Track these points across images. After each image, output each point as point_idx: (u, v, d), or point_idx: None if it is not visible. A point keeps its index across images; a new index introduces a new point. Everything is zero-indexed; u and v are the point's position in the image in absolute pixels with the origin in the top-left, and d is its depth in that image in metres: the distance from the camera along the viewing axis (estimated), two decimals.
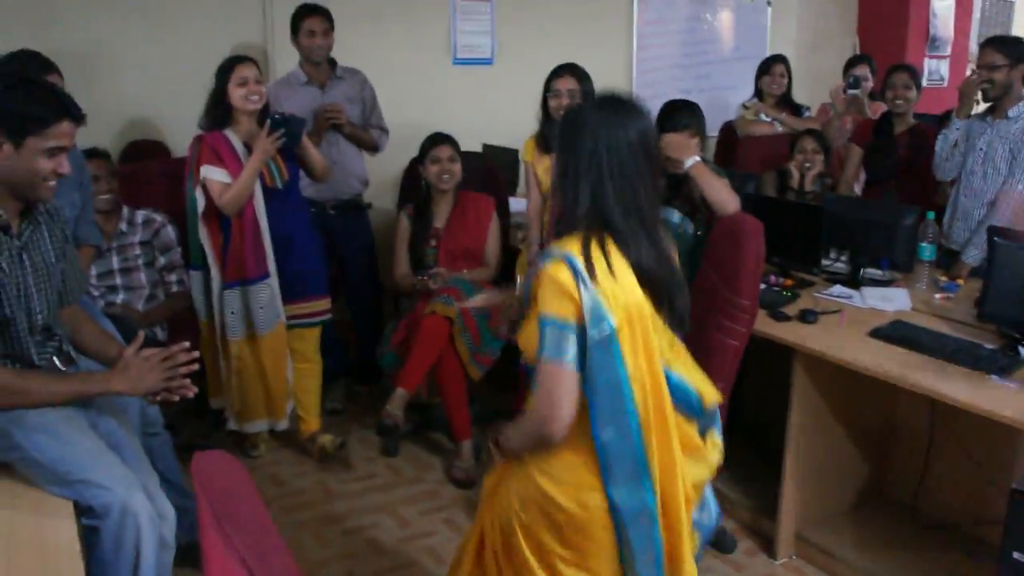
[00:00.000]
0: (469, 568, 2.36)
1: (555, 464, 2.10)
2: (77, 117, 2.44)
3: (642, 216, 2.06)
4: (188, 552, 2.70)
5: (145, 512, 2.38)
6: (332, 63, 4.65)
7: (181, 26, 4.88)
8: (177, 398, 2.57)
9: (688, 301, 2.17)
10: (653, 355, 2.04)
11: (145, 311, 4.06)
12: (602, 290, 1.97)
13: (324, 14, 4.52)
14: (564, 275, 1.98)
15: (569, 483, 2.09)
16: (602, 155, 2.03)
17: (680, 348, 2.19)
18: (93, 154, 3.98)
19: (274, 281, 3.97)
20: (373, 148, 4.78)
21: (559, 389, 1.99)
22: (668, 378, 2.09)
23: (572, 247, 2.01)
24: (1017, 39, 4.34)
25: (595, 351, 1.98)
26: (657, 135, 2.13)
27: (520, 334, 2.16)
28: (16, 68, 3.28)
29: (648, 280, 2.05)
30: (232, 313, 3.94)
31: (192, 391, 2.58)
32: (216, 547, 1.42)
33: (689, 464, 2.15)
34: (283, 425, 4.19)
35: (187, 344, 2.57)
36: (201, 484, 1.56)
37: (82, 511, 2.36)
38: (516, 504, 2.17)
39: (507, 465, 2.25)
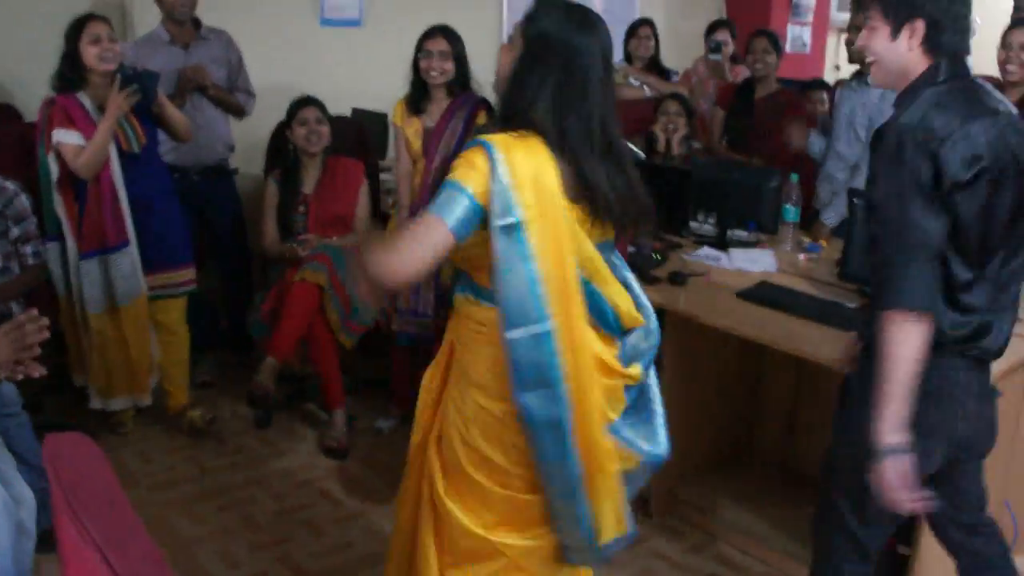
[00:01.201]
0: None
1: (482, 373, 2.14)
2: None
3: (598, 129, 2.06)
4: (51, 537, 2.58)
5: None
6: (197, 23, 4.49)
7: None
8: (25, 375, 2.41)
9: (648, 217, 2.23)
10: (565, 259, 2.02)
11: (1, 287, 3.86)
12: (516, 181, 1.96)
13: None
14: (479, 157, 1.98)
15: (493, 388, 2.12)
16: (569, 60, 2.03)
17: (604, 266, 2.15)
18: None
19: (134, 249, 3.83)
20: (239, 112, 4.65)
21: (428, 241, 1.96)
22: (584, 287, 2.08)
23: (498, 138, 2.01)
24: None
25: (500, 239, 1.97)
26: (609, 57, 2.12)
27: None
28: None
29: (591, 192, 2.05)
30: (91, 285, 3.79)
31: (40, 371, 2.43)
32: (70, 534, 1.36)
33: (602, 383, 2.14)
34: (146, 401, 4.06)
35: (35, 312, 2.41)
36: (54, 468, 1.49)
37: None
38: (459, 422, 2.22)
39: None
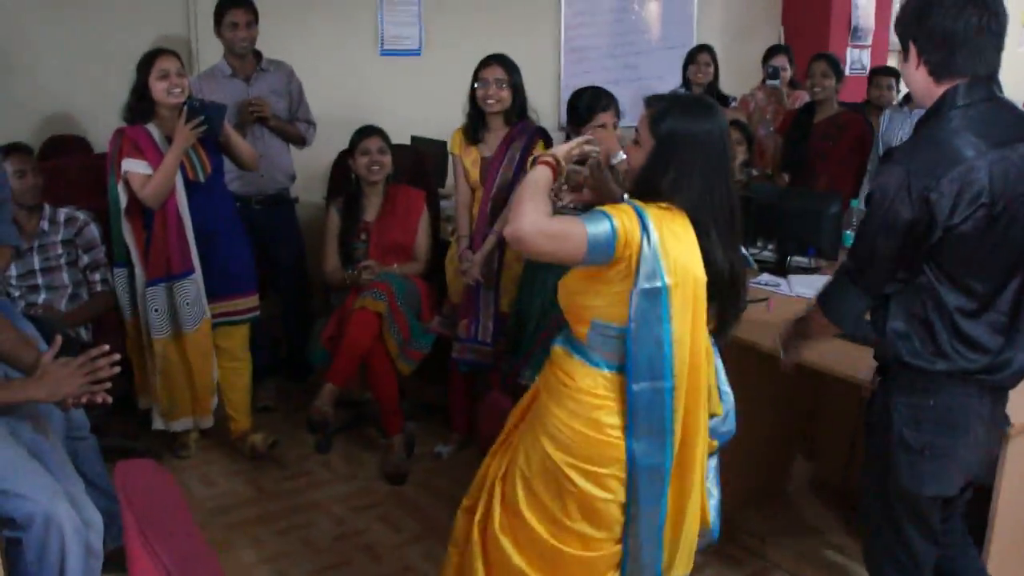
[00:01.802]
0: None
1: (557, 424, 2.25)
2: None
3: (727, 208, 2.22)
4: (117, 558, 2.63)
5: (70, 521, 2.33)
6: (258, 55, 4.59)
7: (102, 18, 4.76)
8: (99, 401, 2.50)
9: (737, 316, 2.38)
10: (700, 321, 2.17)
11: (68, 311, 3.96)
12: (664, 249, 2.09)
13: (247, 6, 4.45)
14: (629, 214, 2.11)
15: (564, 441, 2.23)
16: (696, 150, 2.18)
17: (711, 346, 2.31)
18: (14, 148, 3.88)
19: (199, 277, 3.89)
20: (301, 141, 4.73)
21: (567, 230, 2.09)
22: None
23: (649, 207, 2.14)
24: None
25: (642, 301, 2.10)
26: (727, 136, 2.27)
27: (561, 282, 2.31)
28: None
29: (712, 274, 2.17)
30: (156, 311, 3.86)
31: (106, 399, 2.50)
32: (141, 558, 1.39)
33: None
34: (208, 423, 4.12)
35: (107, 347, 2.50)
36: (125, 493, 1.52)
37: (4, 523, 2.30)
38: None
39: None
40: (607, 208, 2.14)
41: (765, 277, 3.84)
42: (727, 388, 2.44)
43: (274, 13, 4.78)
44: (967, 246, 2.06)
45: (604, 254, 2.09)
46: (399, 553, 3.51)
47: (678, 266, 2.10)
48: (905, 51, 2.17)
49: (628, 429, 2.18)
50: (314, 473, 4.10)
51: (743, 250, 2.41)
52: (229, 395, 4.18)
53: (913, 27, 2.13)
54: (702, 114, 2.22)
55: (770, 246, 4.09)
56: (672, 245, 2.10)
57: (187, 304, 3.87)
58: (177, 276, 3.85)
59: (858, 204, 4.00)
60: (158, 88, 3.76)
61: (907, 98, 4.44)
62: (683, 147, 2.17)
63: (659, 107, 2.23)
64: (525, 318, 3.57)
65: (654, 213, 2.12)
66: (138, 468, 1.65)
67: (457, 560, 2.54)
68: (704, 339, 2.21)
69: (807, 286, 3.68)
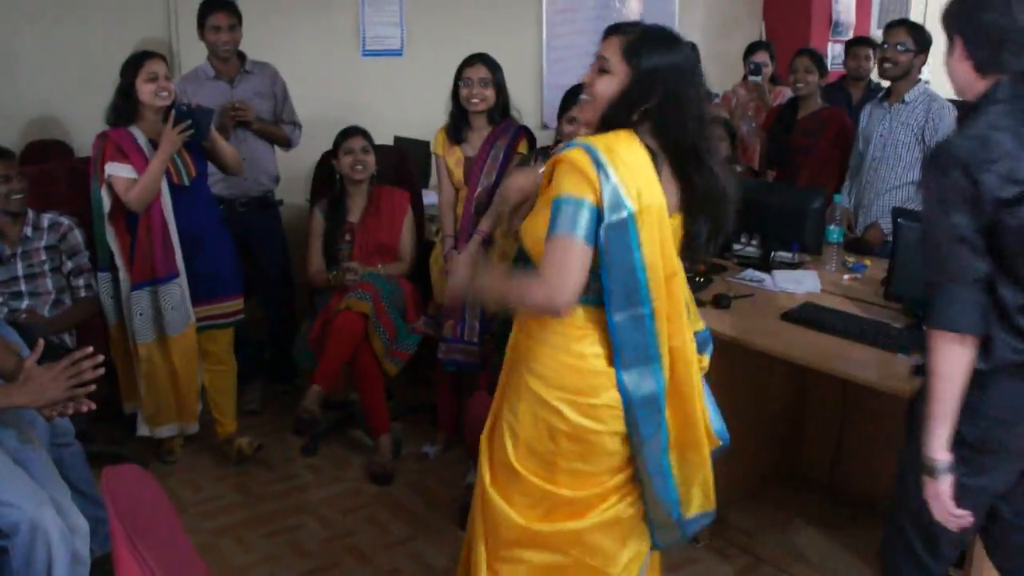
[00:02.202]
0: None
1: (544, 360, 2.23)
2: None
3: (693, 139, 2.17)
4: (104, 564, 2.62)
5: (56, 528, 2.32)
6: (242, 57, 4.58)
7: (83, 21, 4.72)
8: (75, 411, 2.48)
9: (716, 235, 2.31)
10: (668, 245, 2.16)
11: (51, 317, 3.94)
12: (621, 178, 2.06)
13: (229, 9, 4.42)
14: (583, 160, 2.07)
15: (552, 377, 2.21)
16: (672, 84, 2.13)
17: (683, 272, 2.28)
18: None
19: (184, 280, 3.88)
20: (286, 143, 4.72)
21: (570, 261, 2.07)
22: None
23: (598, 141, 2.11)
24: (923, 28, 4.47)
25: (611, 233, 2.08)
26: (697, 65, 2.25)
27: (525, 227, 2.26)
28: None
29: (692, 193, 2.19)
30: (141, 315, 3.85)
31: (90, 406, 2.49)
32: (129, 564, 1.38)
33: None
34: (193, 429, 4.11)
35: (90, 349, 2.47)
36: (112, 499, 1.52)
37: None
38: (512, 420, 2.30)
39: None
40: (568, 188, 2.08)
41: (749, 272, 3.85)
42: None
43: (256, 14, 4.76)
44: (1017, 239, 2.07)
45: (595, 224, 2.09)
46: (388, 554, 3.51)
47: (639, 192, 2.08)
48: (951, 44, 2.19)
49: (616, 362, 2.17)
50: (301, 476, 4.09)
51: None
52: (215, 398, 4.17)
53: (962, 22, 2.16)
54: (675, 44, 2.18)
55: (754, 241, 4.09)
56: (625, 173, 2.08)
57: (172, 308, 3.85)
58: (162, 280, 3.83)
59: (841, 199, 4.01)
60: (145, 90, 3.74)
61: (887, 93, 4.45)
62: (661, 80, 2.13)
63: (633, 35, 2.18)
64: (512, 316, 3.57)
65: (603, 145, 2.10)
66: (124, 474, 1.64)
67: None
68: (675, 261, 2.19)
69: (791, 281, 3.70)
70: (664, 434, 2.23)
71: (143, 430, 4.03)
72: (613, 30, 2.23)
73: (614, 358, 2.17)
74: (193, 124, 3.74)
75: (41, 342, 2.53)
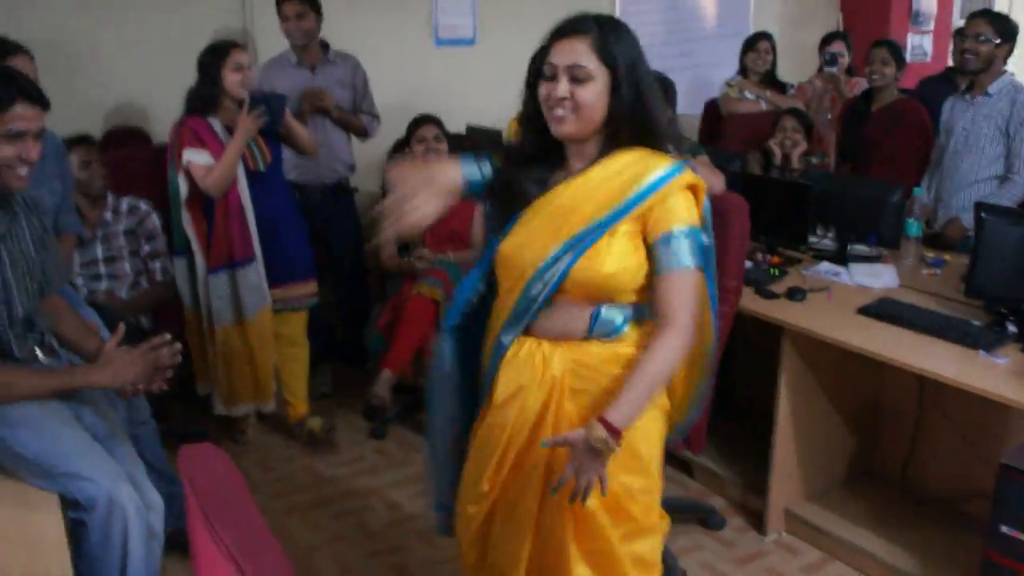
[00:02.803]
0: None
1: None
2: (35, 99, 2.36)
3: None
4: (176, 539, 2.68)
5: (132, 504, 2.36)
6: (325, 47, 4.63)
7: (159, 11, 4.80)
8: (155, 389, 2.58)
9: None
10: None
11: (129, 299, 4.02)
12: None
13: None
14: (696, 182, 2.02)
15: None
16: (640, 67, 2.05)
17: None
18: (81, 140, 3.94)
19: (260, 264, 3.94)
20: (363, 133, 4.77)
21: (696, 294, 2.03)
22: None
23: (674, 161, 2.03)
24: (1007, 18, 4.34)
25: (710, 255, 2.09)
26: None
27: (601, 257, 1.99)
28: None
29: None
30: (219, 299, 3.91)
31: (161, 385, 2.59)
32: (205, 543, 1.40)
33: None
34: (269, 408, 4.18)
35: (168, 336, 2.57)
36: (188, 478, 1.54)
37: (68, 504, 2.34)
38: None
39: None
40: (681, 219, 1.97)
41: (825, 266, 3.79)
42: None
43: (330, 4, 4.78)
44: None
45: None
46: (452, 539, 3.52)
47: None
48: None
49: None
50: (369, 459, 4.13)
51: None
52: (287, 381, 4.23)
53: None
54: (627, 29, 2.08)
55: (830, 234, 4.03)
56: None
57: (249, 291, 3.91)
58: (239, 263, 3.89)
59: (921, 192, 3.93)
60: (231, 80, 3.79)
61: (970, 85, 4.33)
62: (640, 70, 2.02)
63: (594, 32, 2.02)
64: None
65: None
66: (201, 452, 1.67)
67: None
68: None
69: (868, 275, 3.64)
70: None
71: (220, 409, 4.11)
72: (567, 32, 2.06)
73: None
74: (267, 110, 3.78)
75: (122, 326, 2.61)
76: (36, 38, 3.79)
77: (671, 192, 1.97)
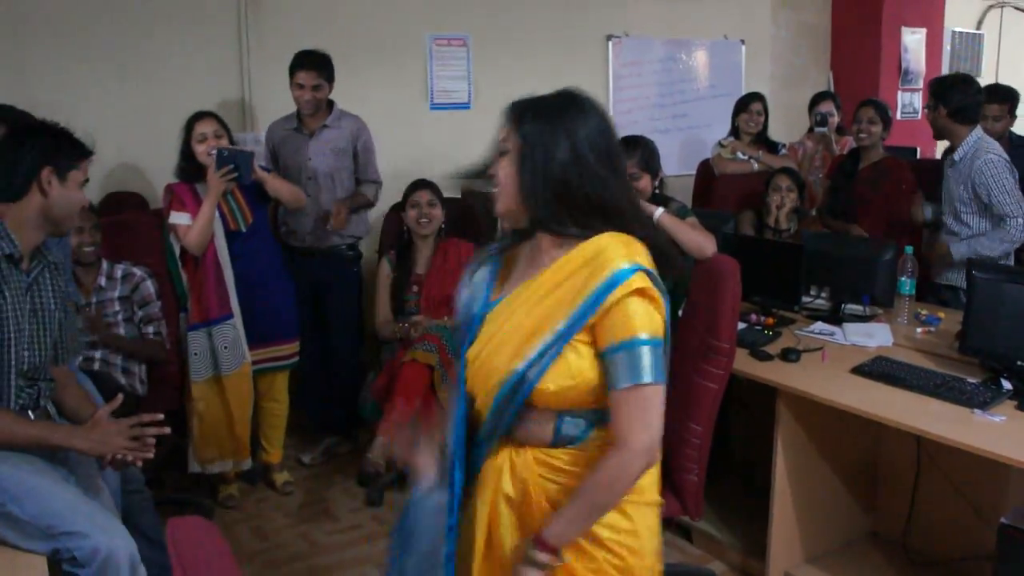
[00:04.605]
0: None
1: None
2: (91, 153, 2.71)
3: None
4: None
5: (127, 556, 2.36)
6: (331, 105, 4.56)
7: (158, 78, 4.87)
8: (138, 463, 2.58)
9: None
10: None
11: (115, 335, 4.02)
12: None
13: (316, 69, 4.39)
14: (650, 286, 1.79)
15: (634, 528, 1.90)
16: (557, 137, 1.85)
17: None
18: None
19: (238, 322, 4.04)
20: (369, 206, 4.72)
21: (659, 411, 1.79)
22: None
23: (636, 254, 1.81)
24: (941, 81, 4.41)
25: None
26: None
27: (557, 369, 1.82)
28: None
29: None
30: (196, 355, 4.01)
31: (138, 460, 2.57)
32: None
33: None
34: (246, 465, 4.23)
35: (160, 416, 2.59)
36: (176, 552, 1.53)
37: (64, 560, 2.34)
38: None
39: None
40: (644, 328, 1.76)
41: (819, 325, 3.79)
42: None
43: None
44: None
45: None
46: None
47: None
48: None
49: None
50: (365, 526, 4.09)
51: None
52: (265, 430, 4.36)
53: None
54: (570, 101, 1.90)
55: (823, 294, 4.04)
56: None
57: (225, 348, 4.01)
58: (215, 321, 4.00)
59: (911, 251, 3.94)
60: (198, 150, 3.97)
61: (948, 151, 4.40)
62: (566, 144, 1.84)
63: (518, 108, 1.93)
64: None
65: (643, 254, 1.84)
66: (189, 526, 1.65)
67: None
68: None
69: (862, 334, 3.64)
70: None
71: (194, 467, 4.14)
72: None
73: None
74: (235, 168, 3.91)
75: (120, 396, 2.63)
76: (40, 101, 3.88)
77: (621, 298, 1.76)
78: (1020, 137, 5.30)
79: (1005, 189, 4.03)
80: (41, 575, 2.28)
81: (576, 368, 1.81)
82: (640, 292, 1.77)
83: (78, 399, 2.76)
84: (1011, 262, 4.27)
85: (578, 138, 1.83)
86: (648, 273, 1.79)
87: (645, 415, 1.78)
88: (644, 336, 1.76)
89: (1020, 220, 4.02)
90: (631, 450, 1.77)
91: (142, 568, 2.48)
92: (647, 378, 1.76)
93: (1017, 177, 4.11)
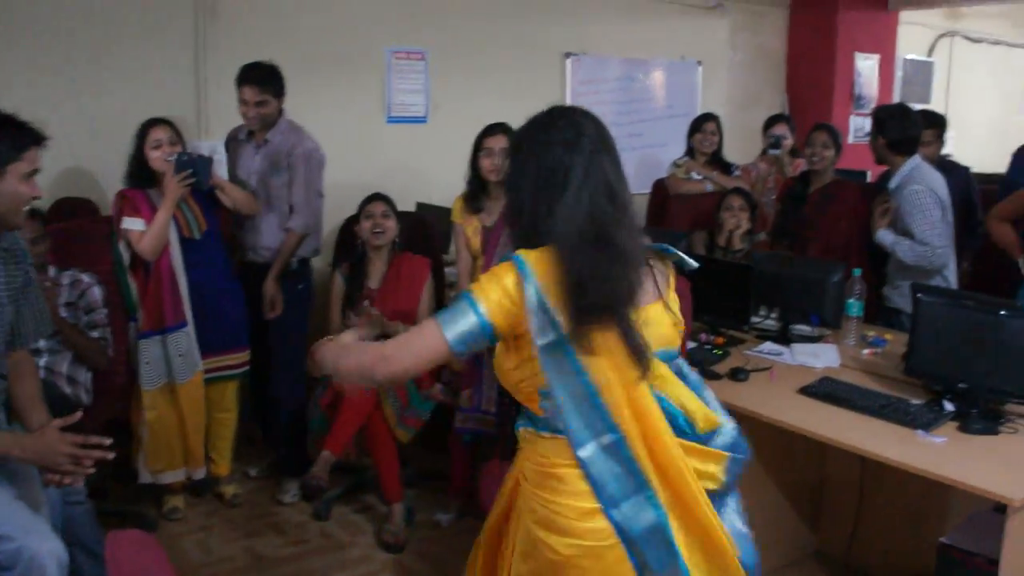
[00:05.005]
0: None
1: (544, 507, 2.03)
2: (40, 141, 2.58)
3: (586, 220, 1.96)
4: None
5: (54, 560, 2.33)
6: (279, 116, 4.39)
7: (111, 85, 4.82)
8: (64, 482, 2.53)
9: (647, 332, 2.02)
10: (618, 357, 1.95)
11: (63, 320, 3.91)
12: (552, 296, 1.91)
13: (259, 85, 4.23)
14: (508, 274, 1.95)
15: (555, 524, 2.00)
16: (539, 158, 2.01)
17: (665, 370, 2.10)
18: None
19: (191, 329, 4.03)
20: (297, 246, 4.37)
21: (416, 349, 1.98)
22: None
23: (531, 254, 1.96)
24: (881, 111, 4.57)
25: (545, 359, 1.93)
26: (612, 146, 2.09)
27: (496, 367, 2.12)
28: None
29: (577, 286, 1.92)
30: (147, 363, 3.99)
31: (86, 472, 2.52)
32: None
33: (695, 461, 2.04)
34: (200, 474, 4.22)
35: (108, 442, 2.52)
36: (114, 566, 1.51)
37: None
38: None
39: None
40: (475, 288, 1.97)
41: (767, 346, 3.83)
42: (717, 405, 2.20)
43: (285, 75, 4.74)
44: None
45: (480, 342, 1.98)
46: None
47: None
48: None
49: (602, 502, 1.95)
50: (312, 540, 4.06)
51: (667, 249, 2.20)
52: (214, 441, 4.32)
53: None
54: (553, 118, 2.08)
55: (772, 314, 4.08)
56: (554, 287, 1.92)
57: (179, 356, 4.01)
58: (170, 328, 4.00)
59: (859, 272, 4.00)
60: (152, 156, 3.96)
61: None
62: (531, 156, 2.03)
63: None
64: None
65: (535, 256, 1.95)
66: (128, 539, 1.64)
67: None
68: (631, 373, 1.96)
69: (810, 355, 3.68)
70: (680, 559, 1.98)
71: (145, 477, 4.11)
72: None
73: (599, 499, 1.96)
74: (194, 173, 3.91)
75: (79, 413, 2.60)
76: None
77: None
78: (951, 162, 5.41)
79: (926, 220, 4.17)
80: None
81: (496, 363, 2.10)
82: (493, 270, 1.98)
83: (30, 395, 2.69)
84: (953, 285, 4.37)
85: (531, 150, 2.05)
86: (517, 261, 1.95)
87: (407, 335, 2.03)
88: (467, 291, 1.99)
89: (939, 250, 4.18)
90: (378, 347, 2.04)
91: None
92: (439, 316, 1.97)
93: (943, 208, 4.21)
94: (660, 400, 2.03)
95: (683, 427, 2.07)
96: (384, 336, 4.20)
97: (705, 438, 2.10)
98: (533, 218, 2.00)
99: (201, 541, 4.02)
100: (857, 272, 3.99)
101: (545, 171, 1.99)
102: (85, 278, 4.08)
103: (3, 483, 2.50)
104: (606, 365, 1.95)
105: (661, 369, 2.07)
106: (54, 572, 2.35)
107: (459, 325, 1.95)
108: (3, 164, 2.48)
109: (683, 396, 2.10)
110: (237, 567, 3.83)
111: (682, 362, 2.21)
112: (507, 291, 1.94)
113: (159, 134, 3.97)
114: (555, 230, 1.95)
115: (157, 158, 3.94)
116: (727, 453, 2.10)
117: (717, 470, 2.08)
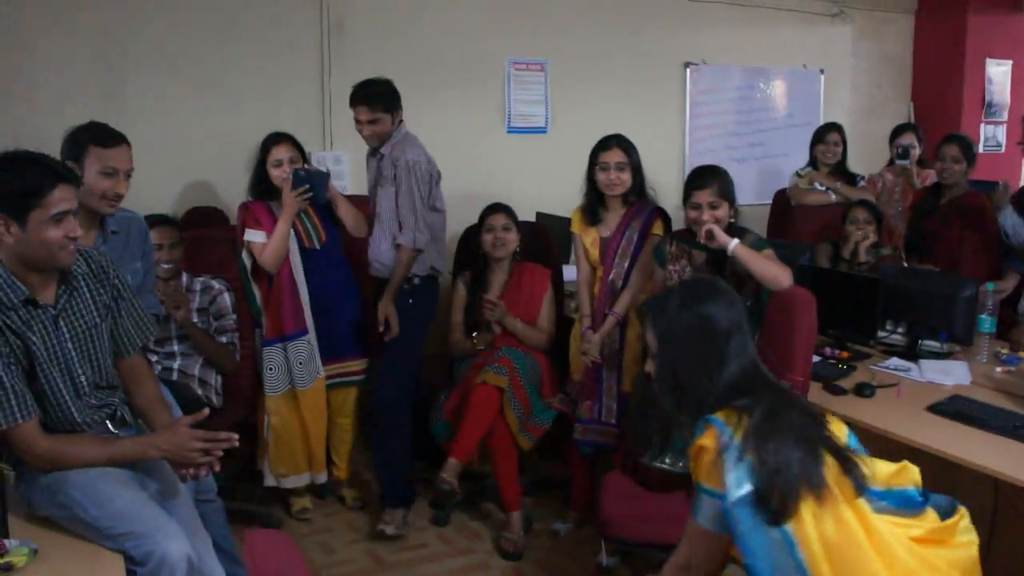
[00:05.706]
0: None
1: None
2: (70, 179, 2.46)
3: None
4: None
5: (183, 561, 2.39)
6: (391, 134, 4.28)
7: (246, 97, 5.01)
8: (199, 475, 2.60)
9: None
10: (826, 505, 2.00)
11: (191, 323, 4.06)
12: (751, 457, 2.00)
13: (370, 102, 4.11)
14: (710, 441, 2.06)
15: None
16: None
17: (870, 461, 2.20)
18: (158, 221, 4.05)
19: (313, 337, 4.14)
20: (408, 267, 4.16)
21: (700, 552, 2.14)
22: (880, 499, 2.10)
23: (723, 415, 2.09)
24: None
25: (738, 512, 1.99)
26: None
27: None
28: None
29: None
30: (270, 370, 4.12)
31: (202, 473, 2.59)
32: None
33: (942, 552, 2.13)
34: (323, 478, 4.33)
35: (235, 437, 2.58)
36: (254, 564, 1.57)
37: (127, 560, 2.40)
38: None
39: None
40: (703, 477, 2.08)
41: (894, 361, 3.74)
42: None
43: (405, 90, 4.81)
44: None
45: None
46: None
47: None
48: None
49: None
50: (431, 545, 4.11)
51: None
52: (335, 445, 4.41)
53: None
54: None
55: (900, 329, 3.98)
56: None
57: (300, 364, 4.12)
58: (290, 337, 4.10)
59: (992, 287, 3.87)
60: (274, 174, 4.07)
61: None
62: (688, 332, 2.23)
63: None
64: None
65: (726, 415, 2.10)
66: (267, 538, 1.69)
67: None
68: (842, 514, 2.02)
69: (939, 371, 3.58)
70: None
71: (269, 481, 4.23)
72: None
73: None
74: (310, 188, 3.99)
75: (206, 410, 2.67)
76: (130, 119, 4.04)
77: None
78: None
79: None
80: (118, 570, 2.35)
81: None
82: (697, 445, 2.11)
83: (151, 397, 2.77)
84: None
85: None
86: (716, 424, 2.09)
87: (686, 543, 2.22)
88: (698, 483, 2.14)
89: None
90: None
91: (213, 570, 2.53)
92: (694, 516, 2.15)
93: None
94: (882, 497, 2.14)
95: (915, 499, 2.23)
96: (502, 327, 4.29)
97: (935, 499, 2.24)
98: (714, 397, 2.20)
99: (323, 542, 4.12)
100: (990, 287, 3.87)
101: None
102: (216, 284, 4.22)
103: (137, 483, 2.59)
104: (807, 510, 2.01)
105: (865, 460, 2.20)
106: (183, 571, 2.42)
107: (706, 512, 2.13)
108: (24, 213, 2.38)
109: (889, 470, 2.24)
110: (358, 568, 3.90)
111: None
112: (714, 460, 2.07)
113: (280, 153, 4.07)
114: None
115: (277, 176, 4.05)
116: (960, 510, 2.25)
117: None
